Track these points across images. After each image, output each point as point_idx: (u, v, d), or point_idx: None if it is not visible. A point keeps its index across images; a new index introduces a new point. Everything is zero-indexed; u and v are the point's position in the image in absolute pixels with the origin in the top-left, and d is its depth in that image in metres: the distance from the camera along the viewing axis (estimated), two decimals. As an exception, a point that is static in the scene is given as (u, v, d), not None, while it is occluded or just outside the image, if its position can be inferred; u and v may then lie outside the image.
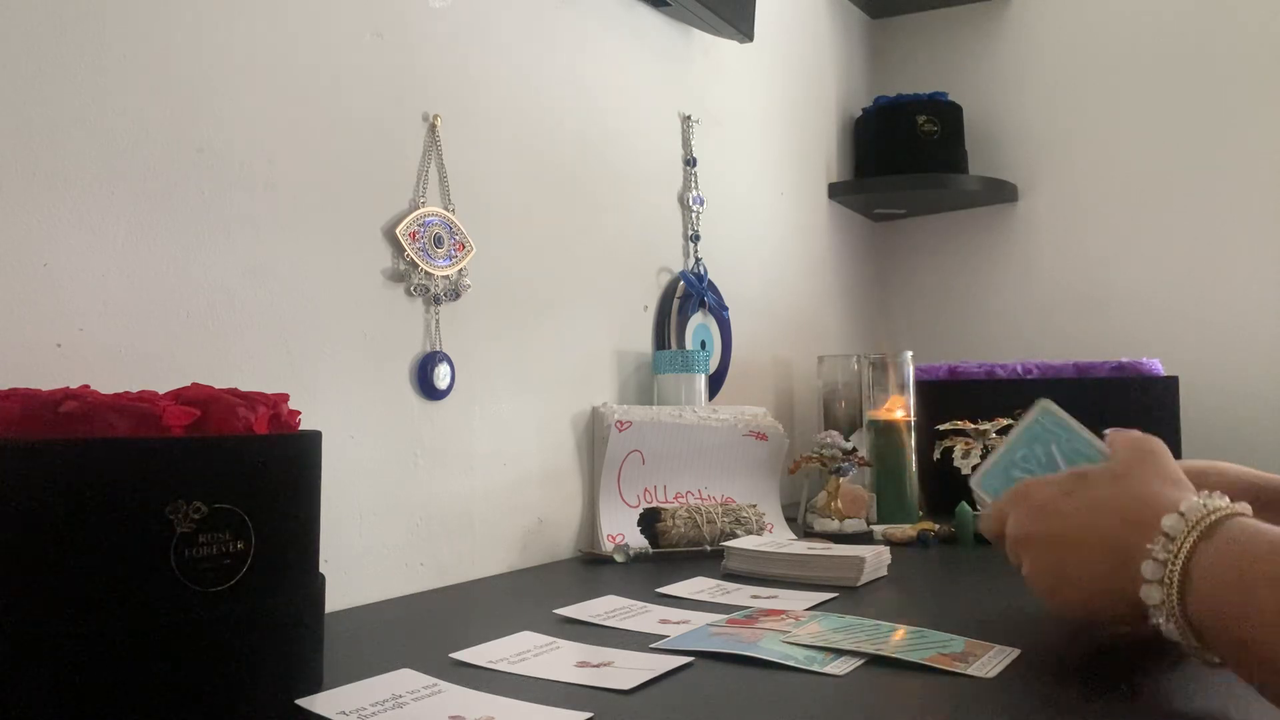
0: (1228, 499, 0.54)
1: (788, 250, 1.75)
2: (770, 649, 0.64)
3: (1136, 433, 0.65)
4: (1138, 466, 0.61)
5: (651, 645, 0.67)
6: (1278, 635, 0.47)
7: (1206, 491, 0.55)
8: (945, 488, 1.28)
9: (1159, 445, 0.63)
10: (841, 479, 1.24)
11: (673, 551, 1.07)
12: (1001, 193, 2.00)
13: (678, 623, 0.74)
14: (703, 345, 1.39)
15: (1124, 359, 1.48)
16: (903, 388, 1.36)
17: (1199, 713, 0.54)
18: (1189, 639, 0.52)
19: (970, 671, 0.59)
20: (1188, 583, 0.51)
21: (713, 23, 1.40)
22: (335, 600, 0.79)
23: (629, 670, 0.61)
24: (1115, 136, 1.94)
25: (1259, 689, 0.51)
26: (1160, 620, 0.53)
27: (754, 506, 1.16)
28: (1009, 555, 0.66)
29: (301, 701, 0.54)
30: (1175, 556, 0.52)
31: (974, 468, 0.79)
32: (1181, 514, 0.53)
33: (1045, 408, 0.72)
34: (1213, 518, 0.52)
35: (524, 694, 0.57)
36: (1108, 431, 0.68)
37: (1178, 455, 1.32)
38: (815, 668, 0.61)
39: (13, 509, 0.46)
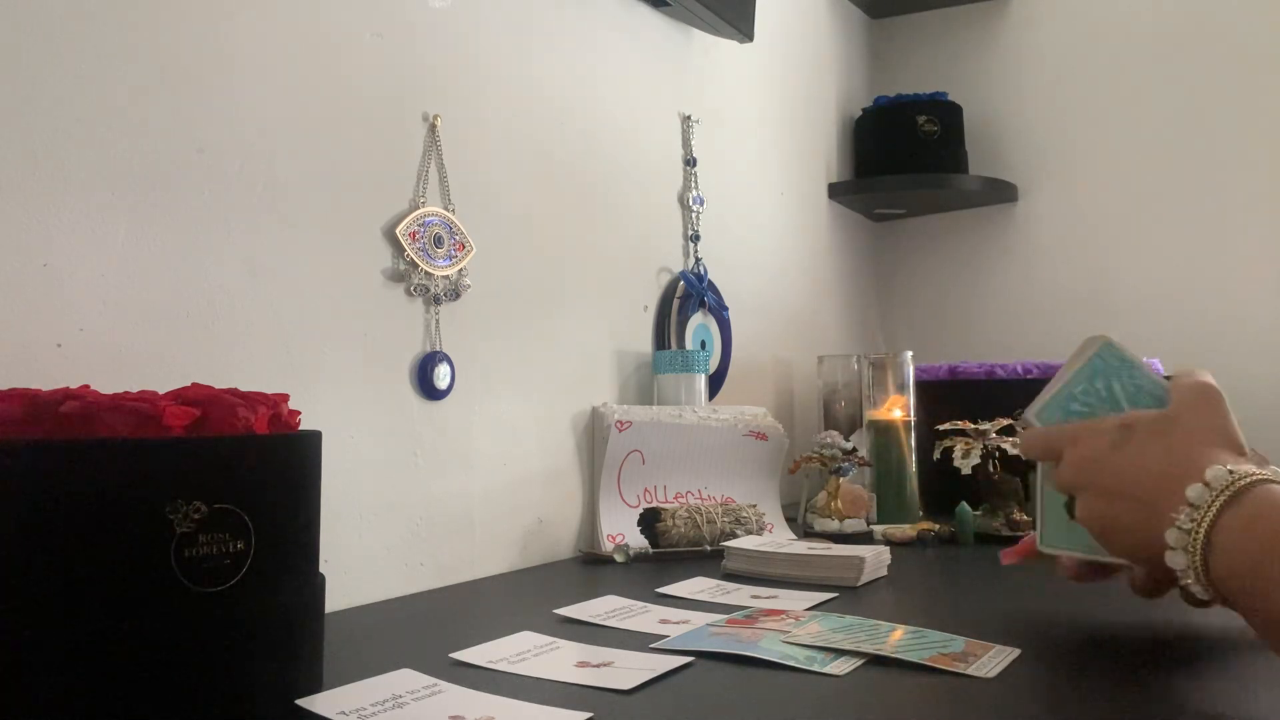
0: (1251, 464, 0.54)
1: (787, 250, 1.75)
2: (770, 649, 0.64)
3: (1197, 379, 0.64)
4: (1187, 418, 0.60)
5: (651, 645, 0.67)
6: None
7: (1234, 457, 0.55)
8: (945, 488, 1.28)
9: (1214, 394, 0.62)
10: (841, 479, 1.24)
11: (673, 551, 1.07)
12: (1001, 193, 2.00)
13: (678, 623, 0.74)
14: (703, 345, 1.39)
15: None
16: (903, 388, 1.36)
17: (1200, 712, 0.54)
18: (1214, 598, 0.53)
19: (970, 671, 0.59)
20: (1211, 550, 0.52)
21: (713, 23, 1.40)
22: (335, 600, 0.79)
23: (629, 670, 0.61)
24: (1115, 136, 1.94)
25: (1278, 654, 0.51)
26: (1189, 582, 0.53)
27: (754, 506, 1.16)
28: (1058, 486, 0.66)
29: (301, 701, 0.54)
30: (1199, 526, 0.52)
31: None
32: (1206, 483, 0.53)
33: (1108, 342, 0.71)
34: (1238, 485, 0.52)
35: (524, 694, 0.57)
36: (1172, 374, 0.68)
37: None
38: (815, 668, 0.61)
39: (13, 509, 0.46)
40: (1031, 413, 0.72)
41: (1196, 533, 0.52)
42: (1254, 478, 0.52)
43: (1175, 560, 0.53)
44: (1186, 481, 0.54)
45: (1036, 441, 0.68)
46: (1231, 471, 0.53)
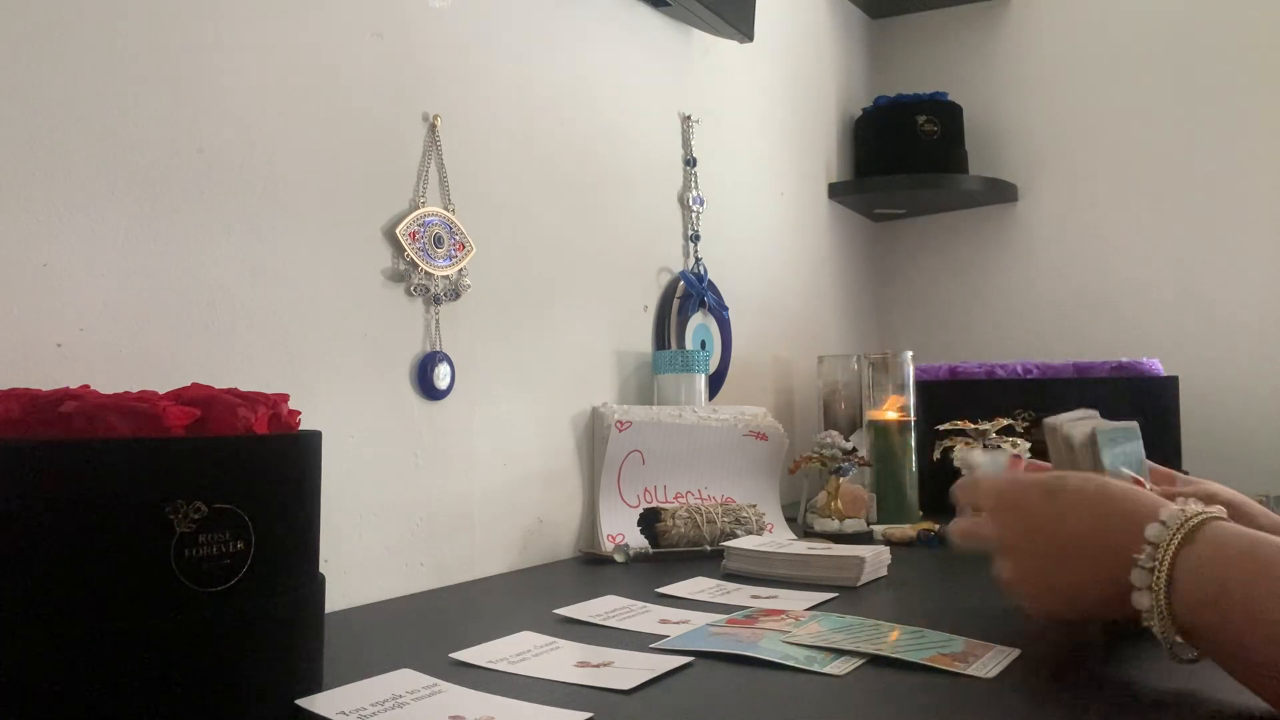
0: (1202, 504, 0.55)
1: (787, 250, 1.75)
2: (770, 649, 0.64)
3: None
4: (1106, 483, 0.62)
5: (651, 645, 0.67)
6: (1253, 633, 0.49)
7: (1183, 499, 0.57)
8: (945, 488, 1.27)
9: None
10: (841, 479, 1.23)
11: (673, 551, 1.07)
12: (1001, 193, 2.00)
13: (678, 623, 0.74)
14: (703, 345, 1.39)
15: (1124, 359, 1.48)
16: (903, 388, 1.36)
17: (1199, 713, 0.54)
18: (1172, 639, 0.53)
19: (970, 671, 0.59)
20: (1173, 587, 0.53)
21: (713, 23, 1.40)
22: (335, 600, 0.79)
23: (629, 670, 0.61)
24: (1115, 136, 1.94)
25: (1249, 686, 0.52)
26: (1153, 624, 0.54)
27: (754, 506, 1.16)
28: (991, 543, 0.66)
29: (301, 701, 0.54)
30: (1160, 564, 0.53)
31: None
32: (1163, 522, 0.54)
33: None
34: (1191, 523, 0.54)
35: (524, 694, 0.57)
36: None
37: (1178, 455, 1.32)
38: (815, 668, 0.61)
39: (13, 509, 0.46)
40: (1100, 429, 0.71)
41: (1159, 570, 0.53)
42: (1204, 515, 0.54)
43: (1141, 600, 0.54)
44: (1144, 523, 0.55)
45: (964, 491, 0.69)
46: (1184, 510, 0.54)
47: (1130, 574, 0.54)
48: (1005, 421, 1.23)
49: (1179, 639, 0.53)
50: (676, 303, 1.35)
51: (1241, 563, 0.51)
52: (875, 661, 0.62)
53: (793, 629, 0.70)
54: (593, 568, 1.04)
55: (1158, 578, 0.53)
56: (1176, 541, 0.53)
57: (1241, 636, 0.50)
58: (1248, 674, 0.52)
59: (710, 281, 1.42)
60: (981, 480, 0.70)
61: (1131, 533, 0.55)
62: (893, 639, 0.67)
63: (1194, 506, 0.55)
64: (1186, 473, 0.86)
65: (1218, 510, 0.55)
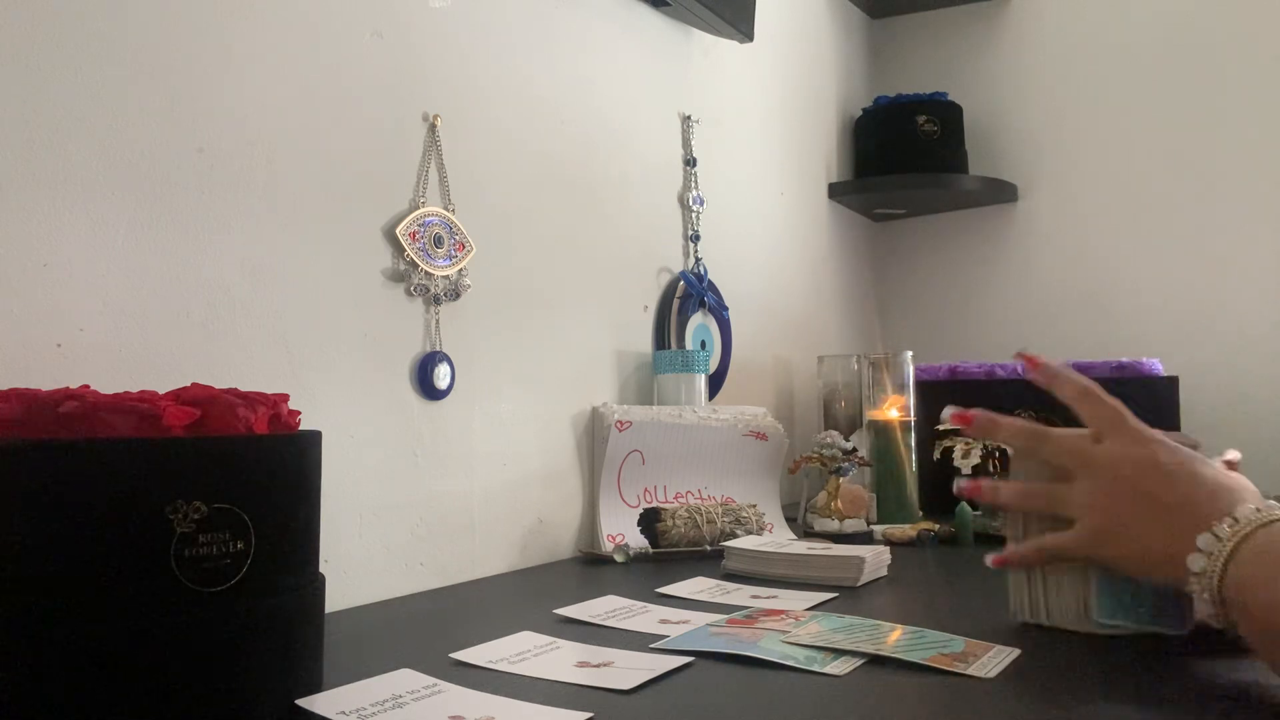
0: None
1: (788, 250, 1.75)
2: (770, 649, 0.64)
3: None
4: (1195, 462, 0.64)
5: (651, 645, 0.67)
6: None
7: (1275, 500, 0.60)
8: (945, 488, 1.27)
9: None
10: (841, 479, 1.23)
11: (673, 551, 1.07)
12: (1001, 193, 2.00)
13: (678, 623, 0.74)
14: (703, 345, 1.39)
15: (1124, 359, 1.48)
16: (902, 388, 1.36)
17: (1199, 712, 0.54)
18: (1218, 609, 0.56)
19: (970, 671, 0.59)
20: (1231, 562, 0.56)
21: (713, 23, 1.40)
22: (335, 600, 0.79)
23: (629, 670, 0.61)
24: (1115, 136, 1.94)
25: (1269, 664, 0.54)
26: (1195, 589, 0.57)
27: (754, 506, 1.16)
28: (1047, 503, 0.67)
29: (301, 701, 0.54)
30: (1231, 539, 0.56)
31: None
32: (1258, 509, 0.57)
33: None
34: (1275, 515, 0.57)
35: (524, 694, 0.57)
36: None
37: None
38: (815, 668, 0.61)
39: (13, 509, 0.46)
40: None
41: (1228, 543, 0.56)
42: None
43: (1195, 562, 0.57)
44: (1238, 501, 0.58)
45: (1060, 445, 0.68)
46: (1275, 505, 0.58)
47: (1199, 538, 0.57)
48: (1005, 421, 1.23)
49: (1219, 610, 0.56)
50: (676, 303, 1.35)
51: None
52: (875, 661, 0.62)
53: (793, 629, 0.70)
54: (593, 568, 1.04)
55: (1224, 546, 0.56)
56: (1259, 523, 0.56)
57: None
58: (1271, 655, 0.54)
59: (710, 281, 1.42)
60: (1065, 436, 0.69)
61: (1225, 505, 0.58)
62: (893, 639, 0.67)
63: (1277, 510, 0.58)
64: None
65: None
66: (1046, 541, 0.67)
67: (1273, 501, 0.59)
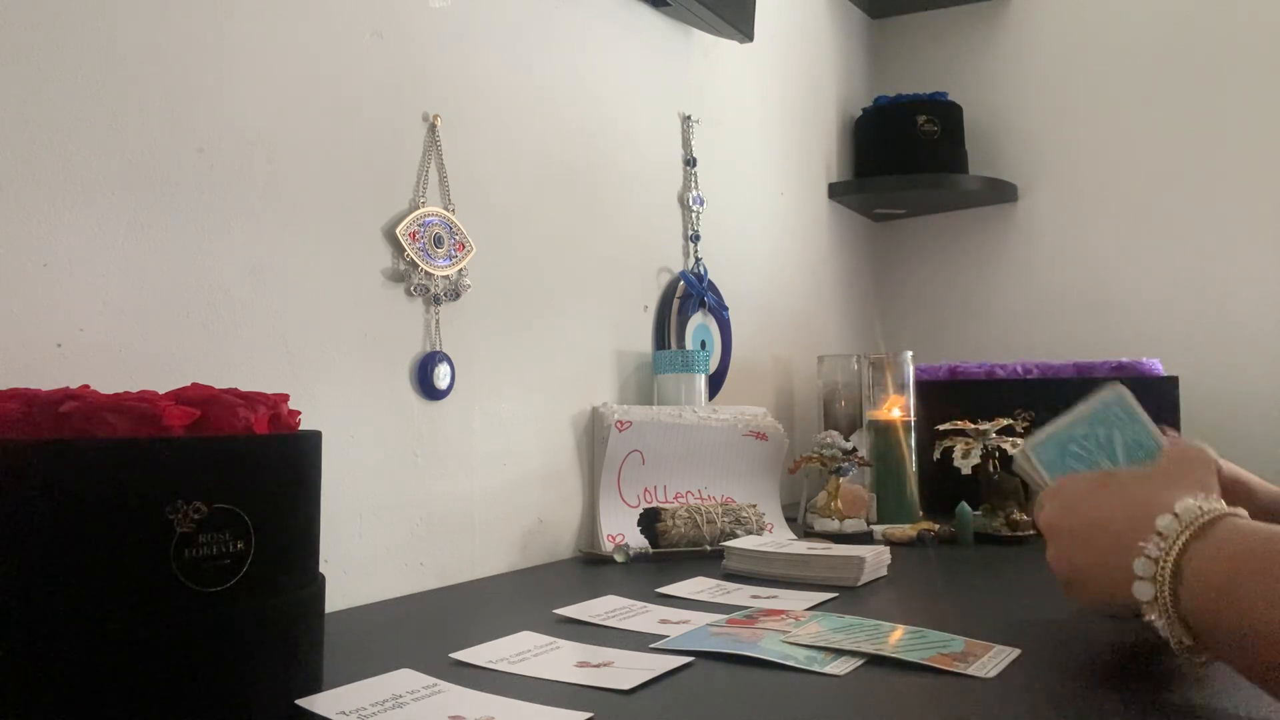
0: (1223, 502, 0.55)
1: (787, 250, 1.75)
2: (770, 649, 0.64)
3: (1194, 444, 0.67)
4: (1169, 472, 0.63)
5: (651, 645, 0.67)
6: (1267, 629, 0.48)
7: (1204, 494, 0.56)
8: (945, 488, 1.28)
9: (1201, 455, 0.65)
10: (841, 479, 1.23)
11: (673, 551, 1.07)
12: (1001, 193, 2.00)
13: (678, 623, 0.74)
14: (703, 345, 1.39)
15: (1124, 359, 1.48)
16: (903, 388, 1.36)
17: (1199, 712, 0.54)
18: (1179, 636, 0.53)
19: (970, 671, 0.59)
20: (1179, 580, 0.52)
21: (713, 23, 1.40)
22: (335, 600, 0.79)
23: (629, 670, 0.61)
24: (1115, 136, 1.94)
25: (1259, 685, 0.51)
26: (1153, 617, 0.54)
27: (754, 506, 1.16)
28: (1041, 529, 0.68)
29: (301, 701, 0.54)
30: (1167, 555, 0.53)
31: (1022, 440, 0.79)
32: (1176, 514, 0.54)
33: (1119, 394, 0.72)
34: (1206, 518, 0.53)
35: (524, 694, 0.57)
36: (1170, 433, 0.70)
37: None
38: (815, 668, 0.61)
39: (13, 509, 0.46)
40: (1030, 444, 0.74)
41: (1164, 561, 0.53)
42: (1221, 511, 0.53)
43: (1142, 591, 0.54)
44: (1156, 514, 0.54)
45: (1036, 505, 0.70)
46: (1201, 506, 0.54)
47: (1134, 563, 0.54)
48: (1005, 421, 1.23)
49: (1185, 639, 0.53)
50: (676, 303, 1.35)
51: (1254, 559, 0.50)
52: (875, 661, 0.62)
53: (793, 629, 0.70)
54: (593, 568, 1.04)
55: (1162, 568, 0.53)
56: (1187, 535, 0.52)
57: (1251, 634, 0.49)
58: (1258, 672, 0.51)
59: (710, 281, 1.42)
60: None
61: (1144, 522, 0.55)
62: (893, 639, 0.67)
63: (1213, 503, 0.54)
64: None
65: (1238, 510, 0.54)
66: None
67: (1202, 497, 0.55)
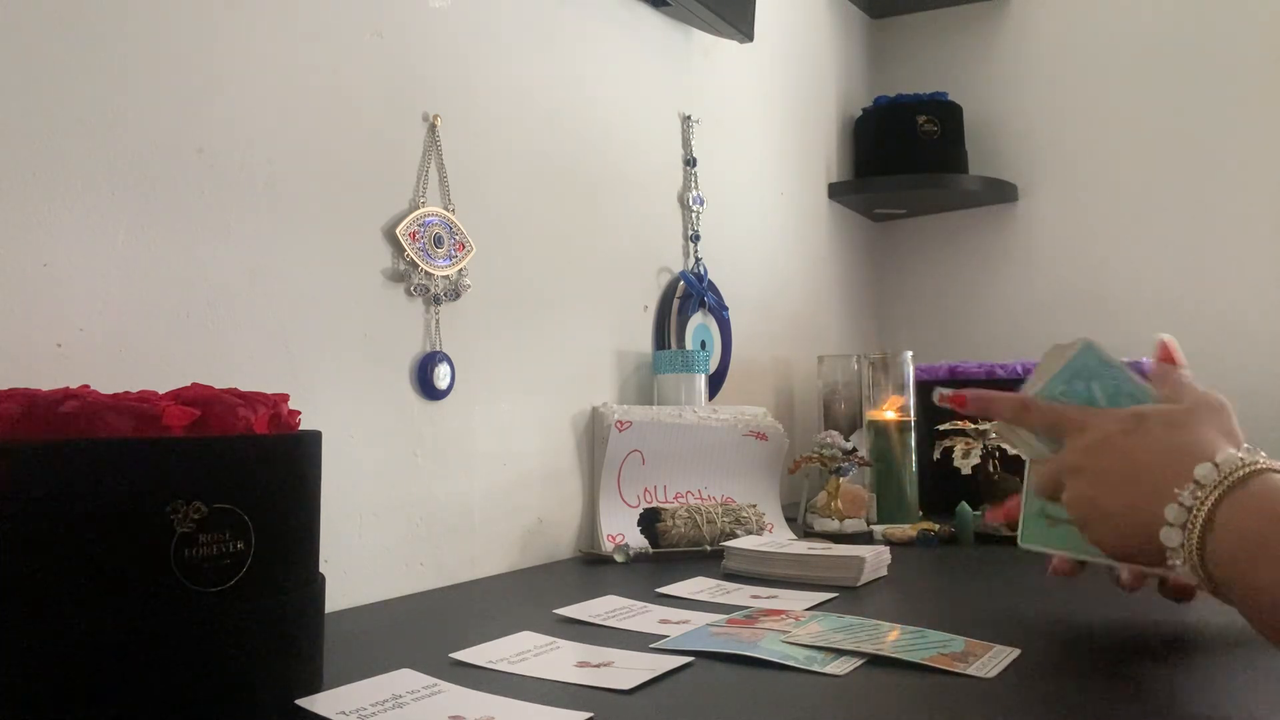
0: (1263, 454, 0.54)
1: (788, 250, 1.75)
2: (770, 649, 0.64)
3: (1208, 389, 0.65)
4: (1201, 414, 0.61)
5: (651, 645, 0.67)
6: None
7: (1249, 447, 0.55)
8: (945, 488, 1.28)
9: (1224, 403, 0.63)
10: (841, 479, 1.23)
11: (673, 551, 1.07)
12: (1001, 193, 2.00)
13: (678, 623, 0.74)
14: (703, 345, 1.39)
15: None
16: (902, 388, 1.36)
17: (1199, 712, 0.54)
18: (1203, 583, 0.53)
19: (970, 671, 0.59)
20: (1209, 531, 0.52)
21: (713, 23, 1.40)
22: (335, 600, 0.79)
23: (629, 670, 0.61)
24: (1115, 136, 1.94)
25: (1275, 642, 0.51)
26: (1177, 563, 0.54)
27: (754, 506, 1.16)
28: (1044, 478, 0.66)
29: (301, 701, 0.54)
30: (1201, 504, 0.52)
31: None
32: (1216, 464, 0.53)
33: (1088, 344, 0.71)
34: (1245, 470, 0.52)
35: (524, 694, 0.57)
36: (1149, 367, 0.69)
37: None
38: (815, 668, 0.61)
39: (13, 509, 0.46)
40: None
41: (1199, 510, 0.52)
42: (1261, 466, 0.53)
43: (1169, 537, 0.53)
44: (1197, 462, 0.54)
45: (1045, 416, 0.67)
46: (1241, 458, 0.53)
47: (1166, 509, 0.53)
48: (1005, 421, 1.23)
49: (1205, 587, 0.53)
50: (676, 303, 1.35)
51: None
52: (875, 661, 0.62)
53: (793, 629, 0.70)
54: (593, 568, 1.04)
55: (1195, 516, 0.52)
56: (1225, 486, 0.52)
57: (1271, 582, 0.49)
58: (1274, 622, 0.50)
59: (710, 281, 1.42)
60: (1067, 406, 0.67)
61: (1182, 469, 0.54)
62: (893, 639, 0.67)
63: (1255, 455, 0.53)
64: None
65: (1276, 464, 0.53)
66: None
67: (1244, 449, 0.54)
